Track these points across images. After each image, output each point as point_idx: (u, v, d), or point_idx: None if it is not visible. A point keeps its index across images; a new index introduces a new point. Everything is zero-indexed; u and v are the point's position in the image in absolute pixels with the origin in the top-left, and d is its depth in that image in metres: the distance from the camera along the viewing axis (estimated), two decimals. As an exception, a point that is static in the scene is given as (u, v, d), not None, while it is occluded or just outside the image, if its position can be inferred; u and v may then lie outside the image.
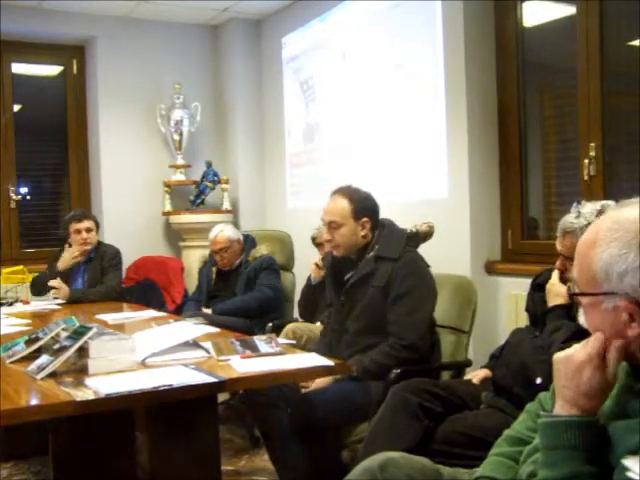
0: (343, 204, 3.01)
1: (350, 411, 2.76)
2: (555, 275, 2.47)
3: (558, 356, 1.35)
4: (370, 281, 2.92)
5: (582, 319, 1.36)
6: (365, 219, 3.00)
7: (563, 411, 1.30)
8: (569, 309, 2.38)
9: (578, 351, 1.32)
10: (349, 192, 3.05)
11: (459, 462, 1.96)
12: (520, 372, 2.37)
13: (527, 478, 1.44)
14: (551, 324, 2.35)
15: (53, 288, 4.46)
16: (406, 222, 3.13)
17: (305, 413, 2.70)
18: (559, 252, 2.45)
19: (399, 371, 2.72)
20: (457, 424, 2.31)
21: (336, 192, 3.07)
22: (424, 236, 3.16)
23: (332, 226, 3.02)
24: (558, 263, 2.47)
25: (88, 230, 4.63)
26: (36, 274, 4.75)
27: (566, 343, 2.19)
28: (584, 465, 1.23)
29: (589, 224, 2.31)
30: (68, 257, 4.61)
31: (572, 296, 1.41)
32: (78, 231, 4.62)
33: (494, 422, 2.17)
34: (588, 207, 2.37)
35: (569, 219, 2.38)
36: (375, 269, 2.92)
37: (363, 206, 3.02)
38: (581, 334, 2.04)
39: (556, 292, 2.43)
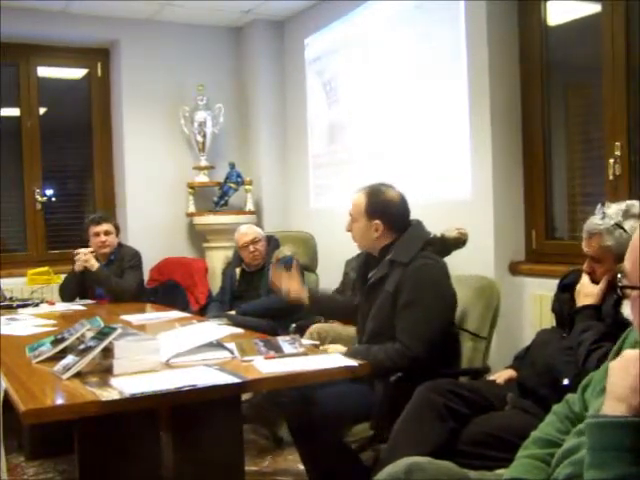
0: (360, 200, 2.94)
1: (351, 410, 2.73)
2: (585, 276, 2.45)
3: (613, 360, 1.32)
4: (384, 284, 2.84)
5: (627, 311, 1.35)
6: (377, 222, 2.88)
7: (612, 411, 1.27)
8: (598, 310, 2.36)
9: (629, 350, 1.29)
10: (371, 189, 2.96)
11: (483, 463, 1.95)
12: (546, 373, 2.36)
13: None
14: (580, 324, 2.33)
15: (80, 293, 4.52)
16: (429, 223, 3.08)
17: (304, 410, 2.67)
18: (586, 253, 2.43)
19: (401, 374, 2.67)
20: (482, 425, 2.29)
21: (364, 187, 3.00)
22: (454, 242, 3.06)
23: (351, 219, 2.99)
24: (586, 265, 2.45)
25: (106, 233, 4.69)
26: (61, 281, 4.80)
27: (595, 344, 2.19)
28: (633, 466, 1.20)
29: (615, 225, 2.30)
30: (82, 258, 4.65)
31: (622, 288, 1.39)
32: (97, 234, 4.68)
33: (519, 423, 2.16)
34: (613, 208, 2.37)
35: (595, 221, 2.37)
36: (388, 273, 2.84)
37: (376, 208, 2.90)
38: (611, 335, 2.03)
39: (586, 293, 2.41)
